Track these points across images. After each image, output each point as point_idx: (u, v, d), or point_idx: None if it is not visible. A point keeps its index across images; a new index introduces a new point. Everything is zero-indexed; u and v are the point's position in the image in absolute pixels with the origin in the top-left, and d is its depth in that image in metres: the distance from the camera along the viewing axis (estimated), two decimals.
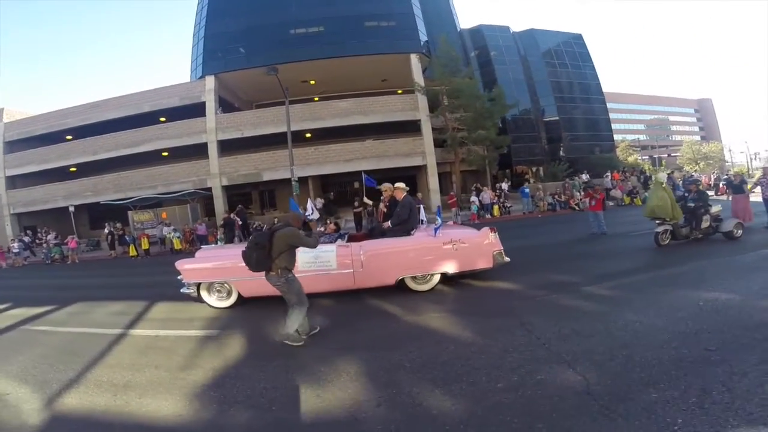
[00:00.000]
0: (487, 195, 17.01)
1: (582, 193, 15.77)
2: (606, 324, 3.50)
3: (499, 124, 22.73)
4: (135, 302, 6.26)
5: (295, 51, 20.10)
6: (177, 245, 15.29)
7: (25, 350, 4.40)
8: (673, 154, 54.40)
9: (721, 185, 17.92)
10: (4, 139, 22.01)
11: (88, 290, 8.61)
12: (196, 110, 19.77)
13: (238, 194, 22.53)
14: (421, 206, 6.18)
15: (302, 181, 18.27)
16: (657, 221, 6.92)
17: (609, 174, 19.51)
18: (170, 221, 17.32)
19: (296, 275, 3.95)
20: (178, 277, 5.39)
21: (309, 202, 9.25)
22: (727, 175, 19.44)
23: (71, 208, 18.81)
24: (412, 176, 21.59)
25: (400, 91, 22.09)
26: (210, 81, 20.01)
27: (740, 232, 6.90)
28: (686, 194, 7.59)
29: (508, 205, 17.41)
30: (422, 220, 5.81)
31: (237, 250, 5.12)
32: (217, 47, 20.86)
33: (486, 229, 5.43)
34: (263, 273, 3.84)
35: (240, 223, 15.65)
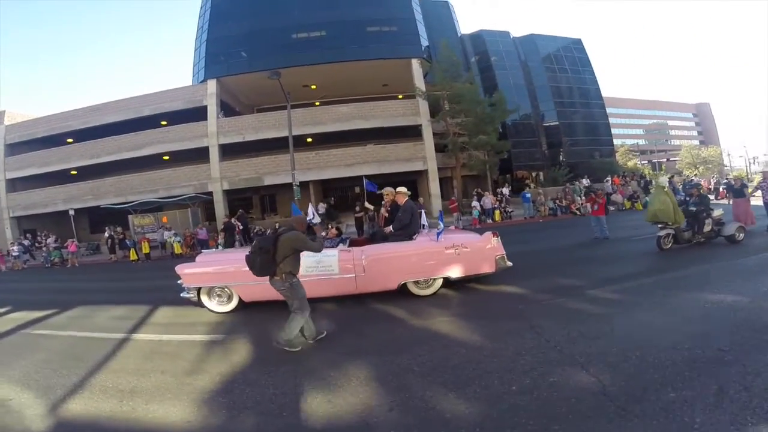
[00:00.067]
0: (489, 200, 17.00)
1: (583, 197, 15.81)
2: (615, 326, 3.49)
3: (499, 129, 22.79)
4: (136, 306, 6.21)
5: (297, 55, 20.16)
6: (177, 249, 15.25)
7: (26, 354, 4.34)
8: (672, 159, 54.61)
9: (721, 189, 17.99)
10: (5, 141, 21.94)
11: (88, 294, 8.56)
12: (198, 114, 19.77)
13: (239, 199, 22.53)
14: (423, 211, 6.16)
15: (303, 185, 18.26)
16: (659, 225, 6.93)
17: (609, 179, 19.58)
18: (171, 225, 17.29)
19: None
20: (178, 282, 5.35)
21: (310, 206, 9.22)
22: (726, 179, 19.52)
23: (71, 212, 18.77)
24: (413, 181, 21.61)
25: (401, 96, 22.21)
26: (212, 84, 20.03)
27: (742, 235, 6.92)
28: (687, 198, 7.62)
29: (510, 210, 17.41)
30: (424, 225, 5.80)
31: (238, 254, 5.13)
32: (219, 51, 20.92)
33: (488, 234, 5.41)
34: (265, 277, 3.79)
35: (241, 227, 15.65)
